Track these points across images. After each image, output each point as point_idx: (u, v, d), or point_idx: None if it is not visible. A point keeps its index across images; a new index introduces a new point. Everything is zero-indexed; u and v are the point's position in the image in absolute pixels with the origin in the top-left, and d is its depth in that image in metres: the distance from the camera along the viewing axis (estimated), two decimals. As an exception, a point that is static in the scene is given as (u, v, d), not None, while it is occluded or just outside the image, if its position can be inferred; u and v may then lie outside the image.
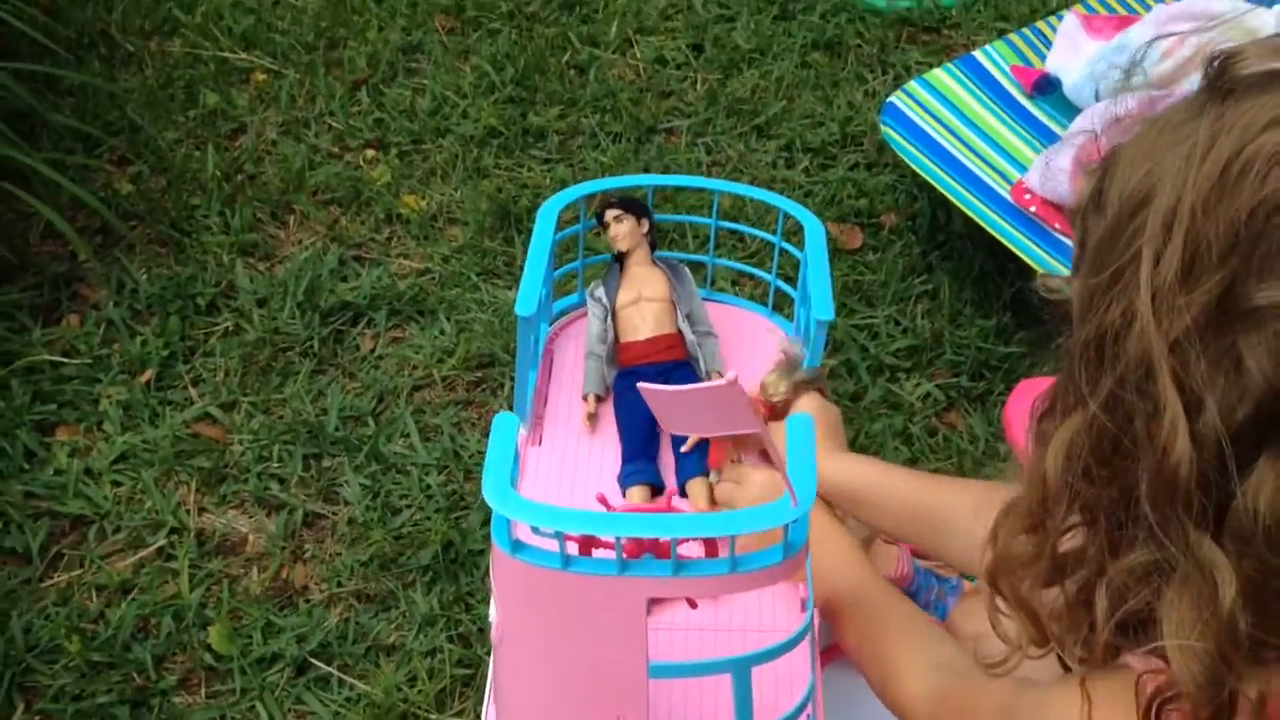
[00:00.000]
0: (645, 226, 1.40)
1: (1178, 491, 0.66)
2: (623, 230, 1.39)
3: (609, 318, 1.38)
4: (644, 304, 1.38)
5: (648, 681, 0.96)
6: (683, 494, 1.26)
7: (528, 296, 1.24)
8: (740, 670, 0.98)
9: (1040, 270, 1.77)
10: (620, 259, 1.41)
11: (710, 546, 1.01)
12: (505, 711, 1.06)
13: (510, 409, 1.90)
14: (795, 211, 1.34)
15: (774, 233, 1.39)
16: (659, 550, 0.98)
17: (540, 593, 0.94)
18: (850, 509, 1.19)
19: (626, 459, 1.30)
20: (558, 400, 1.38)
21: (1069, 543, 0.78)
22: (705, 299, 1.46)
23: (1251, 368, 0.63)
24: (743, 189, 1.43)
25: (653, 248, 1.41)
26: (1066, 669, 0.83)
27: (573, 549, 0.92)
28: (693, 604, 1.07)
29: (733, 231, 2.14)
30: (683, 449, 1.24)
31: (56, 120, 2.28)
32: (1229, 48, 0.69)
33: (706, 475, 1.26)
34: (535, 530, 0.93)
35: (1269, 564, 0.65)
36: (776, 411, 1.26)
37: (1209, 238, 0.64)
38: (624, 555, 0.90)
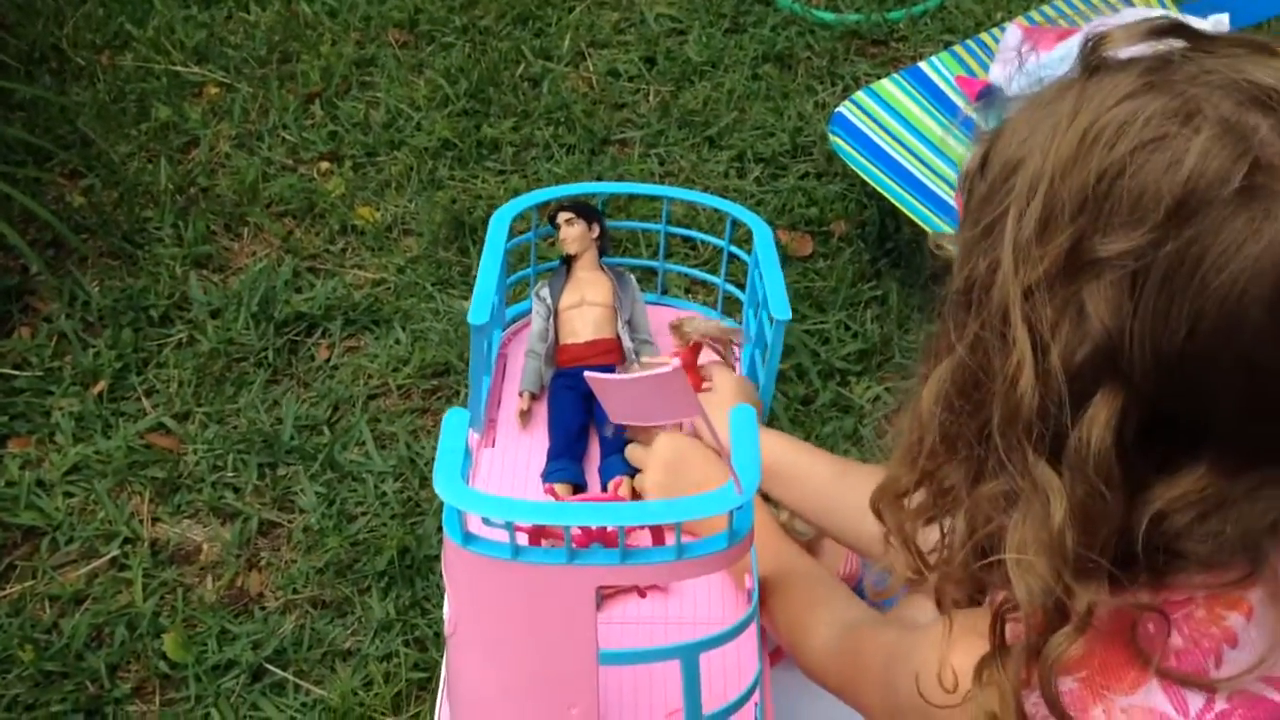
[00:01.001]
0: (596, 231, 1.42)
1: (1020, 420, 0.73)
2: (573, 233, 1.41)
3: (551, 318, 1.40)
4: (586, 308, 1.40)
5: (598, 670, 0.98)
6: (605, 492, 1.27)
7: (480, 306, 1.26)
8: (688, 656, 0.99)
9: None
10: (568, 262, 1.43)
11: (658, 535, 1.03)
12: (459, 703, 1.07)
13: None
14: (742, 215, 1.37)
15: (725, 240, 1.42)
16: (607, 540, 1.00)
17: (491, 583, 0.96)
18: (766, 483, 1.21)
19: (552, 456, 1.32)
20: (510, 403, 1.40)
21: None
22: (656, 304, 1.49)
23: (1091, 314, 0.70)
24: (690, 195, 1.46)
25: (602, 253, 1.43)
26: None
27: (522, 540, 0.94)
28: (642, 593, 1.09)
29: (686, 239, 2.17)
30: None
31: (8, 133, 2.27)
32: (1102, 30, 0.75)
33: (630, 475, 1.28)
34: (487, 522, 0.95)
35: (1096, 488, 0.72)
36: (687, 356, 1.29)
37: (1063, 198, 0.70)
38: (573, 544, 0.91)
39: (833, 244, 2.23)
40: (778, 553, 1.12)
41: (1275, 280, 0.66)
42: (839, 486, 1.16)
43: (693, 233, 1.52)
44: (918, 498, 0.87)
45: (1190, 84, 0.69)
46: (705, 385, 1.28)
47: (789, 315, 1.22)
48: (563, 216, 1.42)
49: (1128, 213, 0.68)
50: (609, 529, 0.99)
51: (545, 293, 1.41)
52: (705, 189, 2.37)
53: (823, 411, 1.91)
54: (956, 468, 0.82)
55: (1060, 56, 2.03)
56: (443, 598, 1.64)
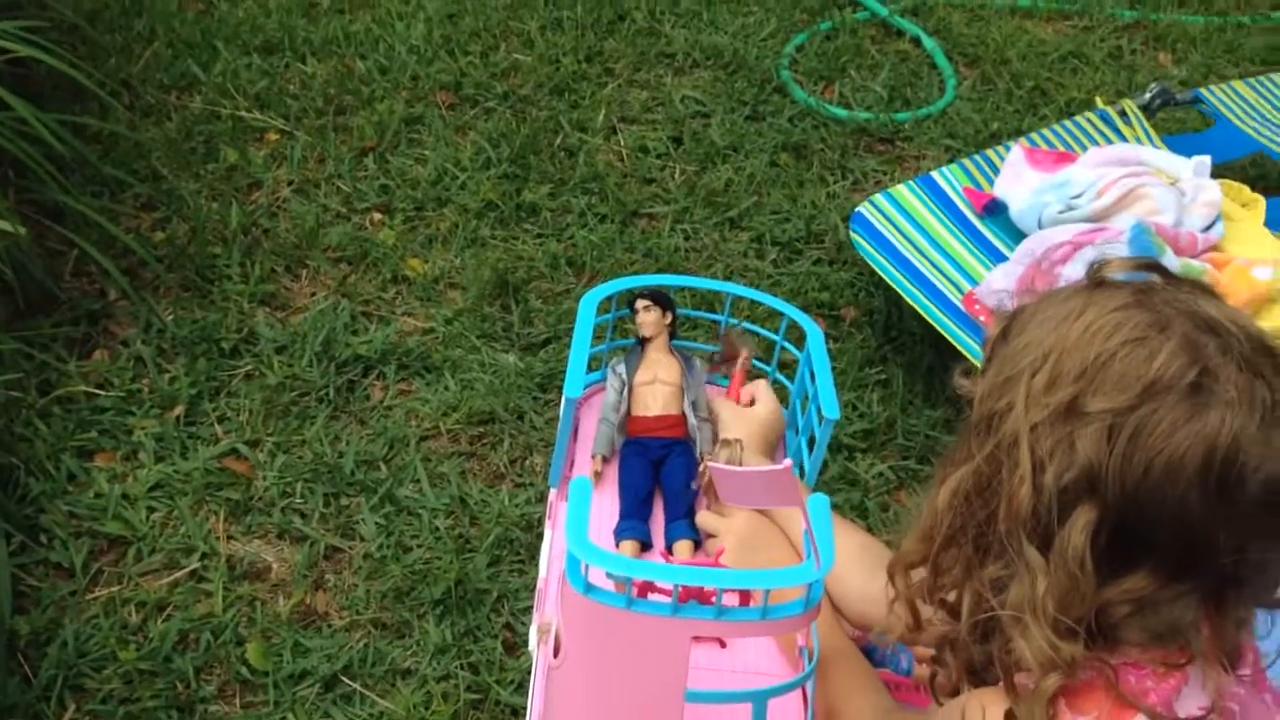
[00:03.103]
0: (668, 318, 1.63)
1: (1019, 518, 1.01)
2: (650, 319, 1.61)
3: (625, 391, 1.60)
4: (658, 385, 1.60)
5: (684, 707, 1.18)
6: (669, 552, 1.48)
7: (574, 380, 1.46)
8: (759, 701, 1.20)
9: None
10: (643, 343, 1.63)
11: (744, 598, 1.23)
12: (556, 724, 1.27)
13: (511, 464, 2.11)
14: (798, 318, 1.58)
15: (760, 329, 1.66)
16: (702, 597, 1.21)
17: (604, 627, 1.16)
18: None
19: (623, 515, 1.52)
20: (583, 464, 1.60)
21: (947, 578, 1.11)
22: (710, 383, 1.70)
23: (1079, 449, 0.97)
24: (753, 293, 1.67)
25: (671, 337, 1.64)
26: None
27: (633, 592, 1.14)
28: (723, 644, 1.29)
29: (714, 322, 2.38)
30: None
31: (97, 165, 2.44)
32: (1105, 258, 1.10)
33: (691, 539, 1.49)
34: (609, 575, 1.15)
35: (1073, 573, 0.98)
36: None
37: (1067, 367, 0.99)
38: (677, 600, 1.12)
39: (843, 328, 2.46)
40: (830, 635, 1.34)
41: (1202, 453, 0.94)
42: (846, 569, 1.38)
43: (755, 327, 1.73)
44: (921, 573, 1.15)
45: (1165, 306, 1.00)
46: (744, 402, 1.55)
47: (838, 415, 1.44)
48: (641, 304, 1.62)
49: (1113, 384, 0.97)
50: (706, 589, 1.20)
51: (621, 368, 1.61)
52: (726, 267, 2.59)
53: (831, 484, 2.13)
54: (960, 554, 1.09)
55: (1060, 181, 2.27)
56: (495, 629, 1.85)
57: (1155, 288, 1.03)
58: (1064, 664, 1.00)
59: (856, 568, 1.39)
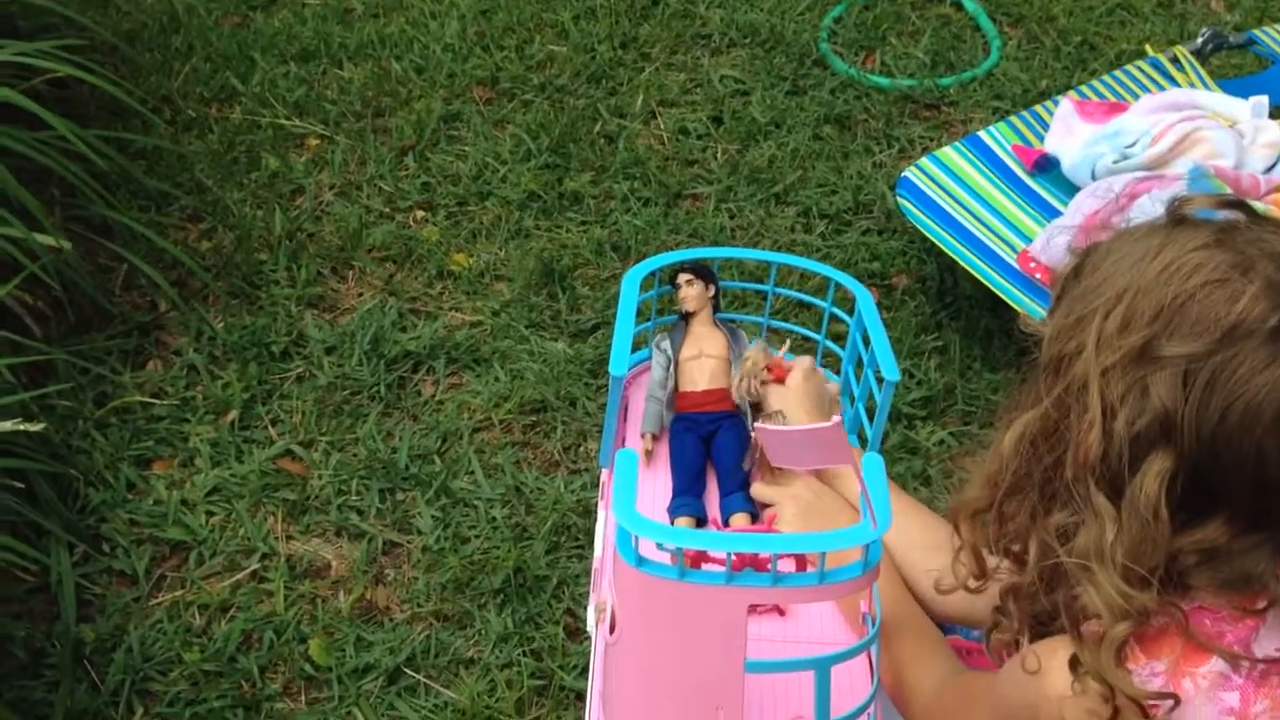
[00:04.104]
0: (711, 291, 1.60)
1: (1088, 465, 0.97)
2: (692, 293, 1.59)
3: (671, 367, 1.58)
4: (704, 359, 1.57)
5: (744, 677, 1.15)
6: (726, 526, 1.44)
7: (619, 358, 1.44)
8: (822, 669, 1.17)
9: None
10: (686, 317, 1.61)
11: (800, 563, 1.20)
12: (615, 700, 1.25)
13: (565, 451, 2.10)
14: (846, 282, 1.55)
15: (808, 296, 1.62)
16: (757, 564, 1.18)
17: (658, 599, 1.13)
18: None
19: (677, 492, 1.49)
20: (633, 443, 1.57)
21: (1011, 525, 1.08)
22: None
23: (1153, 395, 0.94)
24: (798, 261, 1.63)
25: (715, 310, 1.61)
26: None
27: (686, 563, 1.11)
28: (782, 611, 1.26)
29: (758, 292, 2.35)
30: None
31: (142, 180, 2.46)
32: (1186, 195, 1.05)
33: (748, 512, 1.46)
34: (660, 547, 1.12)
35: (1146, 521, 0.95)
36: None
37: (1142, 308, 0.95)
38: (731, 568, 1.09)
39: (895, 297, 2.42)
40: (895, 600, 1.30)
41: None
42: (900, 534, 1.35)
43: (804, 296, 1.70)
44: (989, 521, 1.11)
45: (1248, 247, 0.95)
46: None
47: (899, 376, 1.40)
48: (683, 277, 1.59)
49: (1190, 327, 0.93)
50: (760, 555, 1.17)
51: (665, 344, 1.59)
52: (774, 243, 2.56)
53: (892, 453, 2.09)
54: (1025, 501, 1.05)
55: (1112, 131, 2.21)
56: (555, 614, 1.83)
57: (1239, 227, 0.98)
58: (1136, 612, 0.96)
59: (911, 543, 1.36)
